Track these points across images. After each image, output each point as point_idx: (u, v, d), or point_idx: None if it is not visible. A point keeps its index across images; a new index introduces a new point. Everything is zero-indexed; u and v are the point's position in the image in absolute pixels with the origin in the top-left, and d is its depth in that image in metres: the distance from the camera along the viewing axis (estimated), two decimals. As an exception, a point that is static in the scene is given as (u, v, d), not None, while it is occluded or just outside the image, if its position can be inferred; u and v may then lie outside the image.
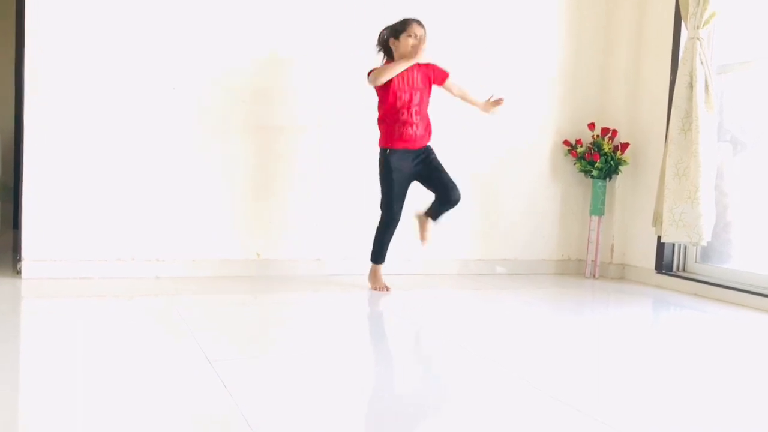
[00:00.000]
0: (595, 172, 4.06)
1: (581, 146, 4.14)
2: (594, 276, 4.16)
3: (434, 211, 3.36)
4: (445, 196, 3.31)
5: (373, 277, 3.43)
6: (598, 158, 4.04)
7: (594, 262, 4.16)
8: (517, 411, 1.84)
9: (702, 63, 3.56)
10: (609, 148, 4.04)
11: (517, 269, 4.16)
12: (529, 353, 2.43)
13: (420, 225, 3.41)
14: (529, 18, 4.11)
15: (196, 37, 3.42)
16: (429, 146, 3.37)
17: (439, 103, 4.02)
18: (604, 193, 4.12)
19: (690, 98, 3.60)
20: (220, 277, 3.48)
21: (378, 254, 3.41)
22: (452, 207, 3.35)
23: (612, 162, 4.04)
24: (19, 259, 3.23)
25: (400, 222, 3.35)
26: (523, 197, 4.17)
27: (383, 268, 3.43)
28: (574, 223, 4.30)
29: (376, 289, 3.38)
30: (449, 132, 3.94)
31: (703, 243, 3.58)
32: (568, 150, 4.18)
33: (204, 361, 2.08)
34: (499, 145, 4.07)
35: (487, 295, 3.54)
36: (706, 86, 3.57)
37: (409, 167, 3.31)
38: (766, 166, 3.66)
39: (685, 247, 3.96)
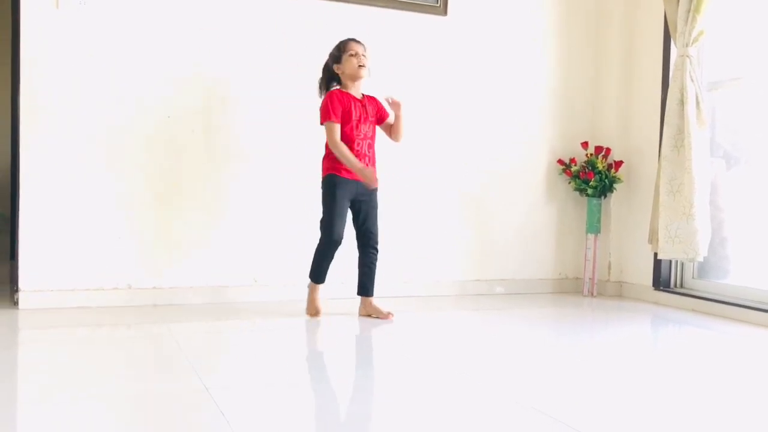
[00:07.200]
0: (589, 191, 4.08)
1: (575, 165, 4.16)
2: (592, 294, 4.16)
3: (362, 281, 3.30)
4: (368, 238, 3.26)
5: (308, 298, 3.29)
6: (592, 177, 4.05)
7: (591, 280, 4.16)
8: (517, 432, 1.84)
9: (692, 80, 3.60)
10: (603, 167, 4.06)
11: (514, 289, 4.16)
12: (533, 376, 2.42)
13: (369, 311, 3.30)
14: (520, 38, 4.15)
15: (196, 66, 3.45)
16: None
17: (430, 120, 4.04)
18: (599, 211, 4.13)
19: (681, 115, 3.63)
20: (216, 304, 3.47)
21: (316, 273, 3.27)
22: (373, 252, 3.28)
23: (606, 180, 4.06)
24: (16, 290, 3.23)
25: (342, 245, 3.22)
26: (519, 217, 4.18)
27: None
28: (571, 241, 4.31)
29: (309, 315, 3.26)
30: (441, 153, 3.96)
31: (700, 259, 3.59)
32: (563, 169, 4.20)
33: (202, 389, 2.08)
34: (493, 165, 4.09)
35: (487, 316, 3.54)
36: (697, 103, 3.60)
37: (353, 192, 3.20)
38: (760, 180, 3.68)
39: (682, 264, 3.96)
